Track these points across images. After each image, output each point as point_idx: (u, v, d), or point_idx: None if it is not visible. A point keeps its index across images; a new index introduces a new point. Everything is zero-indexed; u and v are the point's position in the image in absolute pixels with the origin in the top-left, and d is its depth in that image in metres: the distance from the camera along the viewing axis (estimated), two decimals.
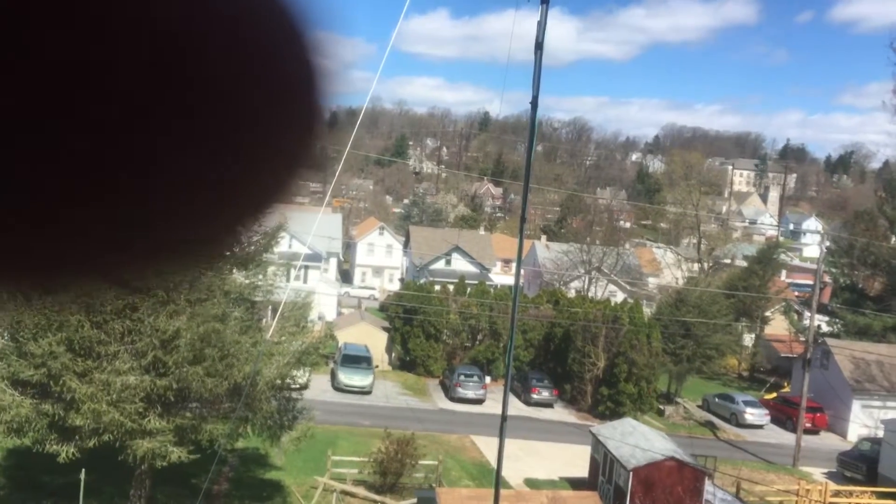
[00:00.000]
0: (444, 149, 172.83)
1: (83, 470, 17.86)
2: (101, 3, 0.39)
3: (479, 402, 37.50)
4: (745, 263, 57.90)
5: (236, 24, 0.43)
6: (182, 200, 0.45)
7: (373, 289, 71.10)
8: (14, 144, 0.39)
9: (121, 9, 0.40)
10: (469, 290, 44.98)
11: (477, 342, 43.30)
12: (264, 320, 21.34)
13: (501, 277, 65.76)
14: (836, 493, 27.59)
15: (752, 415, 38.87)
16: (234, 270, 18.20)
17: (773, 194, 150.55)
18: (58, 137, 0.40)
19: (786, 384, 46.27)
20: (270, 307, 22.10)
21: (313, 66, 0.46)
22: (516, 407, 35.97)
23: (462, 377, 38.19)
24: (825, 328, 49.37)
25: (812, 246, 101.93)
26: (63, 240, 0.43)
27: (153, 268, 0.48)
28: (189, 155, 0.43)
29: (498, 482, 12.51)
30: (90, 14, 0.39)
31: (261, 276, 19.34)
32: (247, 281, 18.95)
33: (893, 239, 50.65)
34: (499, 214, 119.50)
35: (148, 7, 0.40)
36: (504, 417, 10.76)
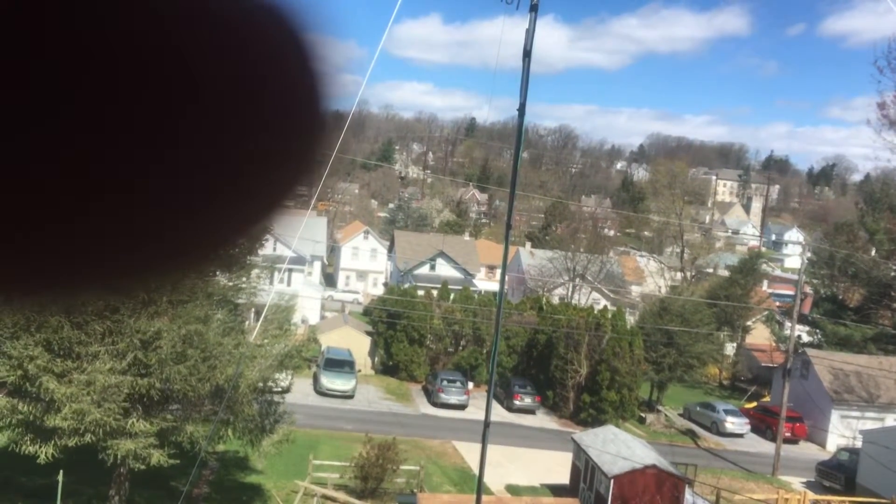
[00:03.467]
0: (430, 154, 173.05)
1: (61, 471, 17.67)
2: (104, 8, 0.39)
3: (461, 407, 37.49)
4: (727, 273, 58.30)
5: (241, 30, 0.43)
6: (184, 208, 0.44)
7: (356, 293, 70.97)
8: (11, 147, 0.38)
9: (125, 16, 0.39)
10: (453, 295, 44.99)
11: (460, 348, 43.30)
12: (247, 323, 21.23)
13: (485, 283, 65.88)
14: (815, 503, 27.78)
15: (733, 423, 39.09)
16: (218, 272, 18.09)
17: (756, 205, 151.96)
18: (59, 142, 0.39)
19: (766, 393, 46.57)
20: (253, 310, 22.00)
21: (317, 72, 0.46)
22: (499, 413, 35.96)
23: (445, 382, 38.17)
24: (806, 338, 49.78)
25: (793, 257, 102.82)
26: (62, 248, 0.42)
27: (153, 275, 0.47)
28: (190, 163, 0.43)
29: (480, 488, 12.50)
30: (91, 17, 0.38)
31: (244, 279, 19.25)
32: (230, 283, 18.85)
33: (873, 250, 51.16)
34: (484, 220, 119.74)
35: (153, 14, 0.40)
36: (487, 423, 10.76)
